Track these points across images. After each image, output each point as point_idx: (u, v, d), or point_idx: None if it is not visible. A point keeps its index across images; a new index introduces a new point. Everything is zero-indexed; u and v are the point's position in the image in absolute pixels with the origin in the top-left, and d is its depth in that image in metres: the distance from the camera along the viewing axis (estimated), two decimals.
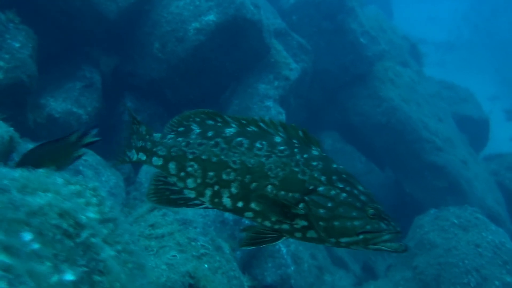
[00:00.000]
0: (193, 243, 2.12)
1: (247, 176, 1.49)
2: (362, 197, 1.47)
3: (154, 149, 1.62)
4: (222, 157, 1.52)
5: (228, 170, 1.51)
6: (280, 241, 1.56)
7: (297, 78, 6.44)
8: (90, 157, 4.55)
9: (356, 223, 1.44)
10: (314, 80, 8.37)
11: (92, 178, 4.37)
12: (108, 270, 1.06)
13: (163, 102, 6.03)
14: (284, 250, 5.61)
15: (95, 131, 2.19)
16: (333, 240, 1.48)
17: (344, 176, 1.49)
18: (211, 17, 5.31)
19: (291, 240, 6.03)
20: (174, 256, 1.98)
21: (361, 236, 1.45)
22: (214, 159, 1.53)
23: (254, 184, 1.48)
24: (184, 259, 1.98)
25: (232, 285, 2.08)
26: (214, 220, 4.70)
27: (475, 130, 10.59)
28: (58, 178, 1.30)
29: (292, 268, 5.47)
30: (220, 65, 5.97)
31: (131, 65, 5.79)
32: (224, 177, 1.51)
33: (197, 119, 1.62)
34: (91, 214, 1.19)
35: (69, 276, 1.08)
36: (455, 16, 21.11)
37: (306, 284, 5.43)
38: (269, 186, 1.47)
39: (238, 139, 1.55)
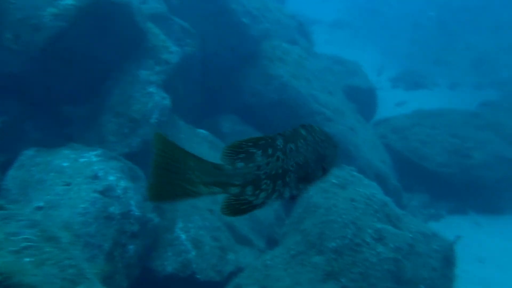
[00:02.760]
0: (13, 238, 1.92)
1: (300, 171, 1.83)
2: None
3: (230, 181, 1.74)
4: (285, 166, 1.81)
5: (289, 173, 1.81)
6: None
7: (180, 61, 6.28)
8: None
9: None
10: (208, 64, 8.28)
11: None
12: None
13: (32, 100, 5.47)
14: (183, 236, 5.51)
15: None
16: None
17: (326, 133, 1.99)
18: (69, 1, 4.90)
19: (190, 225, 5.95)
20: None
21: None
22: (280, 171, 1.80)
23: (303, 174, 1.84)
24: None
25: (67, 274, 1.93)
26: (96, 216, 4.40)
27: (365, 99, 11.45)
28: None
29: (193, 253, 5.39)
30: (92, 53, 5.57)
31: None
32: (287, 180, 1.82)
33: (250, 143, 1.77)
34: None
35: None
36: None
37: (208, 266, 5.40)
38: (309, 169, 1.86)
39: (289, 145, 1.82)
